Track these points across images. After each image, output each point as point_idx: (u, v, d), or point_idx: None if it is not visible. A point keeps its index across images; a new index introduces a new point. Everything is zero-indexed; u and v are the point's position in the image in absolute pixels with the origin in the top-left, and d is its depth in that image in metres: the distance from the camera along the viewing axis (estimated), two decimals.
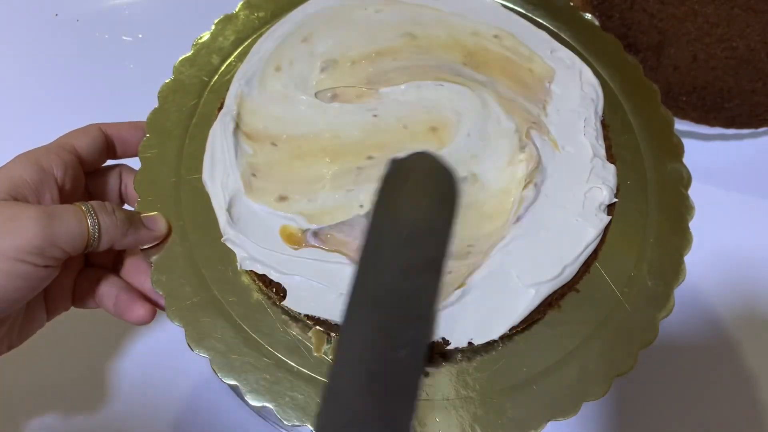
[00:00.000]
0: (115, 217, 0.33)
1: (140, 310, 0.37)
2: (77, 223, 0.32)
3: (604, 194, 0.36)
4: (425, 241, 0.23)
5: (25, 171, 0.34)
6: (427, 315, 0.23)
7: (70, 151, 0.36)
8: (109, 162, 0.40)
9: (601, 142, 0.39)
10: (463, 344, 0.33)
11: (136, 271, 0.38)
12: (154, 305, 0.37)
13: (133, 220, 0.34)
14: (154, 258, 0.35)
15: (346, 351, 0.23)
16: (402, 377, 0.22)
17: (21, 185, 0.33)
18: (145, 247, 0.35)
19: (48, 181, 0.35)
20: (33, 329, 0.37)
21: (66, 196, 0.36)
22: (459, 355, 0.33)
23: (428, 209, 0.23)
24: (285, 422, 0.31)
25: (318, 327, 0.33)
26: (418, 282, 0.23)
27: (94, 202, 0.33)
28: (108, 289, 0.38)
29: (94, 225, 0.33)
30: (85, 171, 0.38)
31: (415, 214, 0.23)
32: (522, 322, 0.33)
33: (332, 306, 0.33)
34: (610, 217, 0.36)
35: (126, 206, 0.40)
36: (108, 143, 0.39)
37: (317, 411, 0.23)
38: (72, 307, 0.39)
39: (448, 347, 0.33)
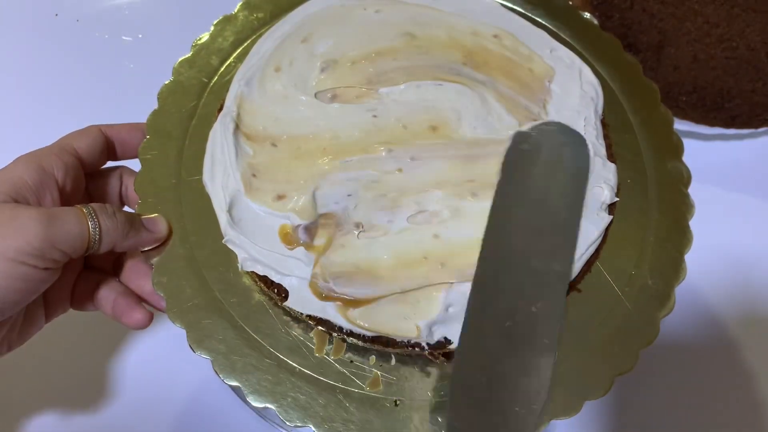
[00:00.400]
0: (116, 220, 0.33)
1: (137, 314, 0.37)
2: (78, 226, 0.32)
3: (606, 193, 0.36)
4: (555, 206, 0.25)
5: (26, 172, 0.34)
6: (560, 272, 0.25)
7: (70, 153, 0.36)
8: (110, 164, 0.40)
9: (602, 141, 0.39)
10: None
11: (136, 273, 0.38)
12: (155, 308, 0.37)
13: (133, 222, 0.34)
14: (154, 260, 0.35)
15: (484, 305, 0.25)
16: (538, 329, 0.24)
17: (21, 187, 0.33)
18: (146, 249, 0.35)
19: (49, 182, 0.35)
20: (32, 331, 0.37)
21: (66, 198, 0.36)
22: None
23: (558, 177, 0.24)
24: (287, 423, 0.31)
25: (320, 327, 0.33)
26: (551, 242, 0.25)
27: (94, 204, 0.33)
28: (106, 293, 0.38)
29: (94, 227, 0.33)
30: (86, 172, 0.38)
31: (546, 181, 0.24)
32: None
33: (334, 306, 0.33)
34: (612, 216, 0.36)
35: (126, 208, 0.40)
36: (108, 144, 0.39)
37: (454, 361, 0.25)
38: (70, 309, 0.39)
39: (451, 347, 0.33)
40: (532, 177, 0.26)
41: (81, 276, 0.39)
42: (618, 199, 0.37)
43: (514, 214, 0.25)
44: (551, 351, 0.24)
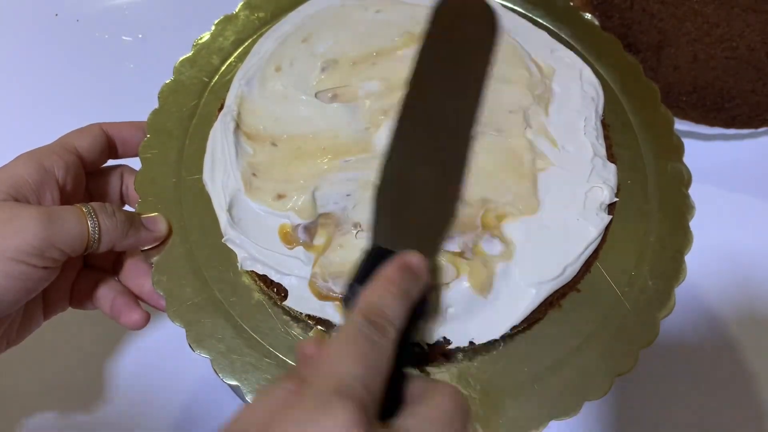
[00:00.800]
0: (116, 219, 0.33)
1: (135, 314, 0.37)
2: (77, 225, 0.32)
3: (605, 194, 0.36)
4: (472, 64, 0.29)
5: (27, 171, 0.34)
6: (472, 115, 0.28)
7: (71, 152, 0.36)
8: (111, 162, 0.40)
9: (602, 141, 0.39)
10: (465, 344, 0.33)
11: (135, 272, 0.38)
12: (154, 307, 0.37)
13: (133, 222, 0.34)
14: (154, 259, 0.35)
15: (409, 131, 0.28)
16: (453, 157, 0.28)
17: (22, 185, 0.33)
18: (146, 248, 0.35)
19: (49, 181, 0.35)
20: (31, 328, 0.37)
21: (67, 197, 0.36)
22: (460, 355, 0.33)
23: (479, 30, 0.29)
24: None
25: (319, 327, 0.33)
26: (467, 92, 0.28)
27: (94, 204, 0.33)
28: (105, 292, 0.38)
29: (94, 227, 0.33)
30: (86, 171, 0.38)
31: (469, 33, 0.29)
32: (523, 321, 0.33)
33: (333, 306, 0.33)
34: (611, 216, 0.36)
35: (127, 207, 0.40)
36: (109, 143, 0.39)
37: (378, 173, 0.28)
38: (69, 308, 0.39)
39: (450, 347, 0.33)
40: (454, 33, 0.30)
41: (80, 274, 0.39)
42: (618, 199, 0.37)
43: (438, 63, 0.29)
44: (462, 174, 0.28)
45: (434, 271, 0.27)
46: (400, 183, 0.28)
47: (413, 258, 0.26)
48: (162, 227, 0.35)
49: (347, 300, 0.26)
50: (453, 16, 0.30)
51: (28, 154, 0.35)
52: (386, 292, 0.24)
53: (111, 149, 0.39)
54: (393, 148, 0.28)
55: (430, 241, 0.27)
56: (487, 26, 0.29)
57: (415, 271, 0.25)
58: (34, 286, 0.32)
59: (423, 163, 0.28)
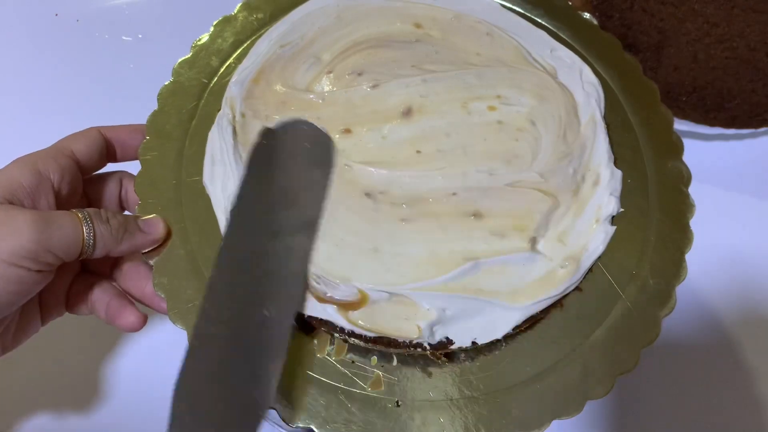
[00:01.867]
0: (110, 225, 0.33)
1: (131, 316, 0.37)
2: (73, 230, 0.32)
3: (612, 206, 0.36)
4: (299, 204, 0.25)
5: (22, 175, 0.34)
6: (298, 272, 0.24)
7: (68, 156, 0.36)
8: (110, 167, 0.40)
9: (608, 143, 0.39)
10: (467, 344, 0.33)
11: (136, 275, 0.38)
12: (155, 310, 0.37)
13: (128, 227, 0.34)
14: (154, 261, 0.35)
15: (213, 308, 0.24)
16: (269, 335, 0.23)
17: (17, 189, 0.33)
18: (145, 251, 0.35)
19: (44, 185, 0.34)
20: (27, 334, 0.37)
21: (63, 201, 0.36)
22: (462, 355, 0.33)
23: (303, 174, 0.25)
24: (289, 424, 0.31)
25: (321, 328, 0.33)
26: (291, 242, 0.24)
27: (90, 210, 0.33)
28: (100, 296, 0.38)
29: (89, 232, 0.33)
30: (84, 175, 0.38)
31: (289, 179, 0.25)
32: (525, 321, 0.33)
33: (334, 307, 0.33)
34: (614, 226, 0.36)
35: (126, 213, 0.40)
36: (107, 146, 0.39)
37: (180, 367, 0.24)
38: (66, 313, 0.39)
39: (452, 347, 0.33)
40: (278, 174, 0.26)
41: (77, 279, 0.39)
42: (623, 209, 0.37)
43: (256, 214, 0.25)
44: (280, 356, 0.24)
45: None
46: (202, 379, 0.25)
47: None
48: (159, 229, 0.35)
49: None
50: (276, 149, 0.26)
51: (24, 158, 0.35)
52: None
53: (109, 153, 0.39)
54: (198, 328, 0.25)
55: None
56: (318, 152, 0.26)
57: None
58: (29, 289, 0.32)
59: (232, 349, 0.24)
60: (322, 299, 0.32)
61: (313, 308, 0.33)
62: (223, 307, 0.24)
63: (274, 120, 0.38)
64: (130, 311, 0.37)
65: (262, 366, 0.24)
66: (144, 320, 0.37)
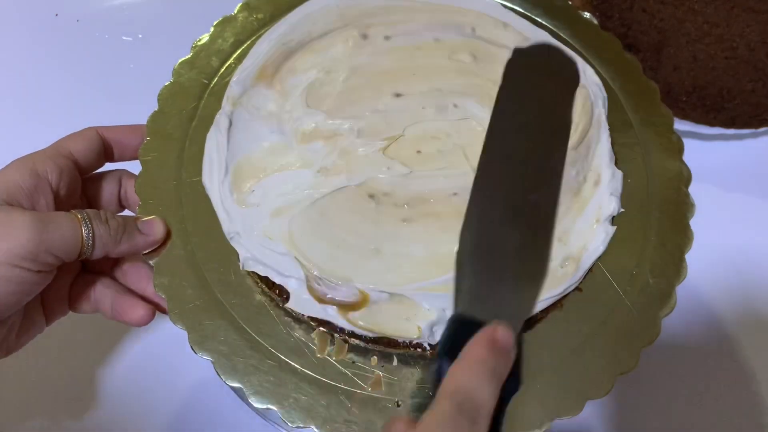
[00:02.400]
0: (108, 226, 0.33)
1: (140, 310, 0.37)
2: (72, 231, 0.32)
3: (613, 206, 0.36)
4: (552, 115, 0.28)
5: (20, 176, 0.34)
6: (555, 169, 0.27)
7: (66, 156, 0.36)
8: (109, 166, 0.40)
9: (609, 143, 0.39)
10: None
11: (137, 276, 0.38)
12: (156, 307, 0.37)
13: (127, 228, 0.34)
14: (154, 261, 0.35)
15: (487, 192, 0.27)
16: (537, 215, 0.27)
17: (15, 190, 0.33)
18: (145, 252, 0.35)
19: (43, 186, 0.34)
20: (32, 334, 0.37)
21: (61, 201, 0.36)
22: None
23: (554, 89, 0.29)
24: (289, 424, 0.31)
25: (321, 328, 0.33)
26: (547, 144, 0.28)
27: (89, 211, 0.34)
28: (105, 293, 0.38)
29: (88, 233, 0.33)
30: (82, 175, 0.38)
31: (543, 92, 0.29)
32: (524, 321, 0.33)
33: (334, 308, 0.33)
34: (615, 226, 0.36)
35: (127, 212, 0.40)
36: (105, 147, 0.39)
37: (460, 238, 0.26)
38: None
39: None
40: (530, 86, 0.29)
41: (78, 277, 0.39)
42: (623, 209, 0.37)
43: (514, 119, 0.29)
44: (550, 232, 0.26)
45: (521, 343, 0.25)
46: (484, 246, 0.26)
47: (501, 333, 0.24)
48: (158, 230, 0.35)
49: (436, 376, 0.24)
50: (528, 67, 0.29)
51: (21, 159, 0.35)
52: (475, 375, 0.23)
53: (107, 153, 0.39)
54: (473, 206, 0.27)
55: (518, 309, 0.26)
56: (564, 74, 0.29)
57: (503, 348, 0.24)
58: (29, 290, 0.32)
59: (507, 224, 0.27)
60: (323, 300, 0.32)
61: (313, 308, 0.33)
62: (498, 190, 0.27)
63: (274, 121, 0.38)
64: (137, 305, 0.37)
65: (535, 239, 0.26)
66: (153, 313, 0.37)
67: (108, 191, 0.40)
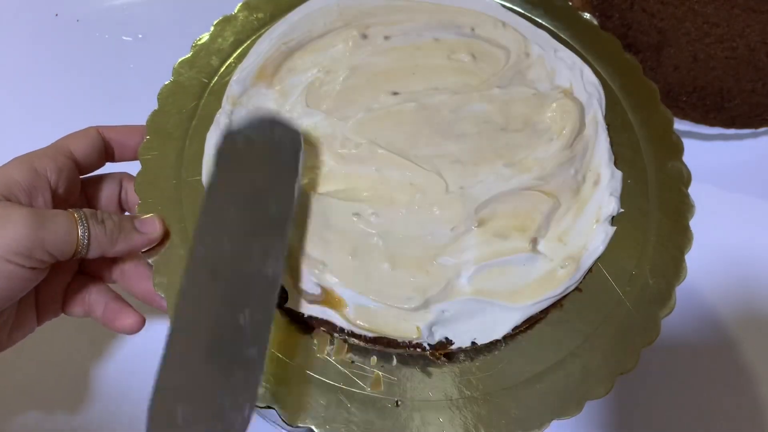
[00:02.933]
0: (104, 226, 0.33)
1: (129, 318, 0.37)
2: (67, 230, 0.32)
3: (613, 206, 0.36)
4: (267, 203, 0.25)
5: (19, 173, 0.34)
6: (269, 275, 0.24)
7: (66, 155, 0.36)
8: (110, 167, 0.40)
9: (608, 143, 0.39)
10: (467, 344, 0.33)
11: (137, 275, 0.38)
12: (157, 308, 0.37)
13: (124, 228, 0.34)
14: (153, 260, 0.35)
15: (186, 319, 0.24)
16: (245, 342, 0.23)
17: (14, 187, 0.33)
18: (143, 251, 0.35)
19: (41, 184, 0.34)
20: (23, 333, 0.37)
21: (60, 200, 0.36)
22: (462, 355, 0.33)
23: (269, 175, 0.25)
24: (288, 424, 0.31)
25: (321, 328, 0.33)
26: (261, 245, 0.24)
27: (87, 210, 0.33)
28: (98, 297, 0.38)
29: (84, 233, 0.32)
30: (82, 174, 0.38)
31: (255, 180, 0.25)
32: (525, 321, 0.33)
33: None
34: (614, 227, 0.36)
35: (126, 213, 0.40)
36: (106, 146, 0.39)
37: (154, 382, 0.24)
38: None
39: (452, 347, 0.33)
40: (244, 174, 0.26)
41: (74, 280, 0.39)
42: (623, 210, 0.37)
43: (225, 217, 0.25)
44: (259, 365, 0.24)
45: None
46: (184, 389, 0.24)
47: None
48: (155, 229, 0.34)
49: None
50: (241, 153, 0.26)
51: (21, 157, 0.35)
52: None
53: (108, 152, 0.39)
54: (172, 349, 0.25)
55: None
56: (286, 153, 0.26)
57: None
58: (21, 286, 0.32)
59: (210, 362, 0.25)
60: (311, 301, 0.32)
61: (313, 308, 0.33)
62: (198, 314, 0.24)
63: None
64: (128, 313, 0.37)
65: (240, 375, 0.24)
66: (142, 322, 0.37)
67: (108, 193, 0.40)
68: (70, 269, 0.39)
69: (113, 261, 0.39)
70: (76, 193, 0.38)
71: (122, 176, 0.41)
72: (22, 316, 0.36)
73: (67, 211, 0.33)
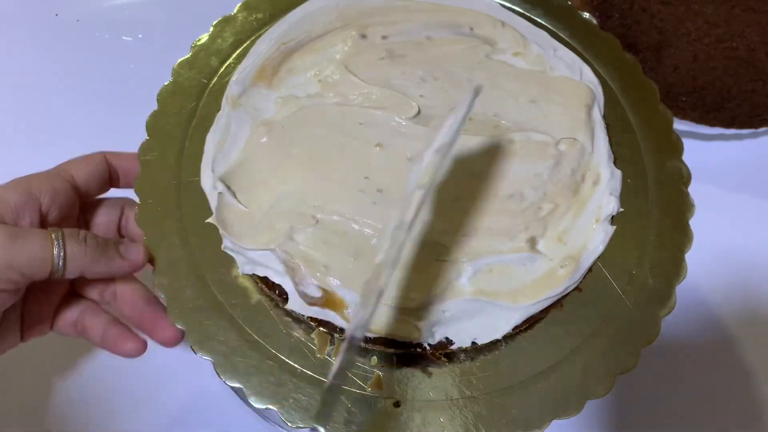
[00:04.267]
0: (85, 246, 0.32)
1: (130, 343, 0.36)
2: (40, 249, 0.31)
3: (612, 206, 0.36)
4: None
5: (11, 194, 0.33)
6: None
7: (65, 179, 0.36)
8: (114, 192, 0.40)
9: (608, 143, 0.39)
10: (467, 344, 0.33)
11: (132, 301, 0.36)
12: (147, 334, 0.36)
13: (106, 251, 0.33)
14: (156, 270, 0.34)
15: None
16: None
17: (1, 206, 0.33)
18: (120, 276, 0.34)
19: (31, 205, 0.34)
20: (3, 348, 0.36)
21: (53, 223, 0.35)
22: (462, 355, 0.33)
23: None
24: (289, 424, 0.31)
25: (321, 328, 0.33)
26: None
27: (66, 229, 0.33)
28: (94, 322, 0.37)
29: (59, 252, 0.32)
30: (83, 199, 0.38)
31: None
32: (525, 321, 0.33)
33: None
34: (614, 226, 0.36)
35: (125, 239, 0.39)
36: (111, 173, 0.39)
37: None
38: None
39: (452, 347, 0.33)
40: None
41: (66, 301, 0.38)
42: (622, 209, 0.37)
43: None
44: None
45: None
46: None
47: None
48: (140, 257, 0.34)
49: None
50: None
51: (20, 178, 0.35)
52: None
53: (112, 179, 0.39)
54: None
55: None
56: None
57: None
58: None
59: None
60: (310, 302, 0.32)
61: (313, 309, 0.33)
62: None
63: (274, 121, 0.38)
64: (129, 338, 0.36)
65: None
66: (144, 346, 0.36)
67: (108, 218, 0.39)
68: (59, 289, 0.37)
69: (106, 283, 0.37)
70: (73, 217, 0.37)
71: (124, 202, 0.40)
72: (3, 332, 0.35)
73: (43, 230, 0.32)
